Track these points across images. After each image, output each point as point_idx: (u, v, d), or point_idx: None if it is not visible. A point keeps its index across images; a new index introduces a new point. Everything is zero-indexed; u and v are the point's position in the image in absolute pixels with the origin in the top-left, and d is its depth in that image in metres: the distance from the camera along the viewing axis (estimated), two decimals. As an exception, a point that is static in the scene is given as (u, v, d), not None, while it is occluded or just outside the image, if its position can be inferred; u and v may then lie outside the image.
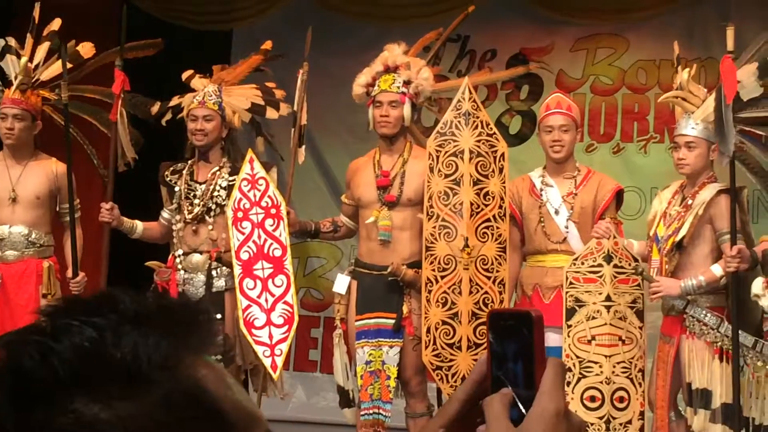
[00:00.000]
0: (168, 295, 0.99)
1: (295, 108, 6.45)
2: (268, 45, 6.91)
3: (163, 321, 0.94)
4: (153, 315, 0.94)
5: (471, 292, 6.03)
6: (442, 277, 6.04)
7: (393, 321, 6.15)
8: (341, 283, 6.38)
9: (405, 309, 6.15)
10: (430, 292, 6.04)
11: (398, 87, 6.24)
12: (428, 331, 6.03)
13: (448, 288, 6.03)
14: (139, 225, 6.64)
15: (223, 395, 0.94)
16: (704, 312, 5.71)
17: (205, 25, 9.38)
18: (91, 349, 0.90)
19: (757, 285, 5.42)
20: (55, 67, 6.64)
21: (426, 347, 6.02)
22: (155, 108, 6.79)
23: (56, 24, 6.73)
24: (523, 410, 1.03)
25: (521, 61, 8.57)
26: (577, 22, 8.88)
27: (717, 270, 5.67)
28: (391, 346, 6.15)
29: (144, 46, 6.99)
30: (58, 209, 6.74)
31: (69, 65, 6.59)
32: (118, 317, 0.92)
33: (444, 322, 6.02)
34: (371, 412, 6.15)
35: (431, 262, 6.05)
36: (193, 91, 6.62)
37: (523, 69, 7.46)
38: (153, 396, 0.89)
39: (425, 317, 6.04)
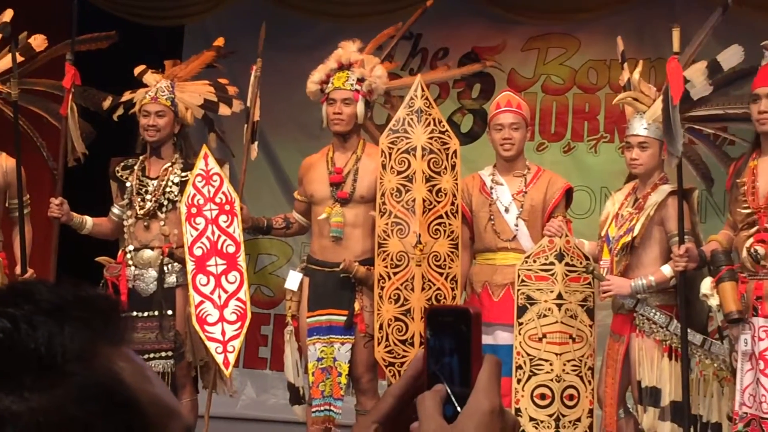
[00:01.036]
0: (86, 286, 0.96)
1: (249, 104, 6.44)
2: (220, 42, 6.90)
3: (80, 312, 0.92)
4: (70, 306, 0.92)
5: (423, 289, 6.04)
6: (395, 274, 6.05)
7: (345, 318, 6.15)
8: (293, 279, 6.37)
9: (357, 306, 6.16)
10: (382, 288, 6.05)
11: (352, 84, 6.25)
12: (381, 327, 6.03)
13: (401, 284, 6.05)
14: (88, 220, 6.60)
15: (140, 388, 0.93)
16: (654, 310, 5.75)
17: (157, 21, 9.33)
18: (4, 340, 0.89)
19: (705, 284, 5.46)
20: (7, 60, 6.57)
21: (379, 344, 6.03)
22: (107, 102, 6.75)
23: (8, 15, 6.66)
24: (458, 407, 1.03)
25: (473, 59, 8.59)
26: (528, 22, 8.90)
27: (667, 270, 5.71)
28: (342, 343, 6.15)
29: (97, 39, 6.92)
30: (7, 204, 6.67)
31: (21, 58, 6.54)
32: (34, 308, 0.91)
33: (396, 319, 6.03)
34: (322, 408, 6.14)
35: (384, 259, 6.05)
36: (146, 86, 6.59)
37: (478, 66, 7.48)
38: (68, 388, 0.88)
39: (378, 314, 6.05)
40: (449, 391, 1.05)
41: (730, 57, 5.51)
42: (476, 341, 1.06)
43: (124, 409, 0.91)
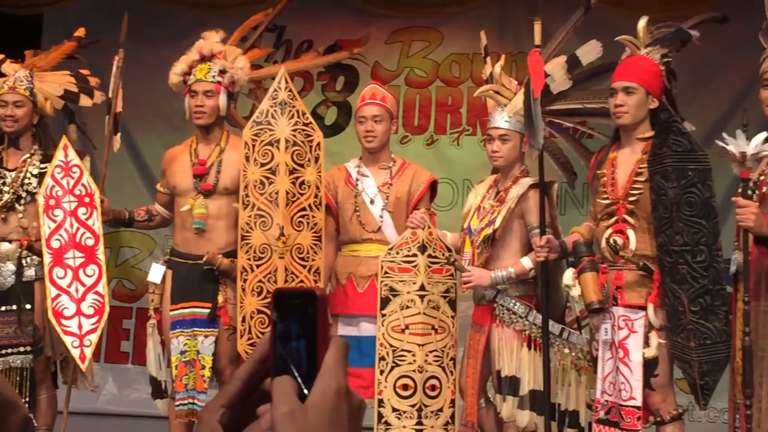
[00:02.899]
0: None
1: (110, 95, 6.36)
2: (81, 32, 6.78)
3: None
4: None
5: (286, 281, 6.04)
6: (258, 266, 6.04)
7: (208, 310, 6.12)
8: (156, 272, 6.32)
9: (220, 298, 6.14)
10: (245, 281, 6.03)
11: (214, 76, 6.22)
12: (243, 320, 6.02)
13: (264, 277, 6.04)
14: (-57, 213, 6.45)
15: None
16: (513, 301, 5.83)
17: (14, 9, 9.13)
18: None
19: (567, 275, 5.53)
20: None
21: (241, 336, 6.01)
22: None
23: None
24: (305, 390, 1.04)
25: (344, 58, 8.61)
26: (392, 15, 8.95)
27: (527, 262, 5.80)
28: (206, 336, 6.12)
29: None
30: None
31: None
32: None
33: (259, 311, 6.02)
34: (186, 402, 6.11)
35: (247, 251, 6.04)
36: (3, 76, 6.46)
37: (345, 53, 7.47)
38: None
39: (241, 306, 6.03)
40: (296, 373, 1.05)
41: (589, 52, 5.60)
42: (322, 323, 1.07)
43: None
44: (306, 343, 1.06)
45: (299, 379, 1.05)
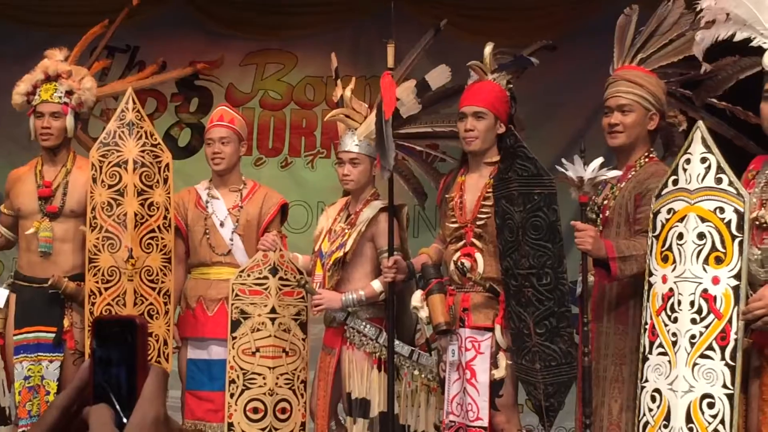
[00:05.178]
0: None
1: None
2: None
3: None
4: None
5: (136, 304, 5.97)
6: (106, 289, 5.96)
7: (53, 335, 6.01)
8: (-1, 296, 6.19)
9: (66, 322, 6.04)
10: (93, 304, 5.95)
11: (60, 97, 6.12)
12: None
13: (113, 300, 5.96)
14: None
15: None
16: (364, 323, 5.85)
17: None
18: None
19: (416, 297, 5.56)
20: None
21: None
22: None
23: None
24: (124, 418, 1.04)
25: (192, 73, 8.55)
26: (246, 37, 8.94)
27: (377, 285, 5.82)
28: (51, 361, 6.01)
29: None
30: None
31: None
32: None
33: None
34: (29, 428, 5.98)
35: (95, 274, 5.95)
36: None
37: (190, 70, 7.44)
38: None
39: (88, 330, 5.94)
40: (116, 400, 1.04)
41: (438, 76, 5.64)
42: (142, 351, 1.07)
43: None
44: (126, 371, 1.06)
45: (118, 407, 1.04)
